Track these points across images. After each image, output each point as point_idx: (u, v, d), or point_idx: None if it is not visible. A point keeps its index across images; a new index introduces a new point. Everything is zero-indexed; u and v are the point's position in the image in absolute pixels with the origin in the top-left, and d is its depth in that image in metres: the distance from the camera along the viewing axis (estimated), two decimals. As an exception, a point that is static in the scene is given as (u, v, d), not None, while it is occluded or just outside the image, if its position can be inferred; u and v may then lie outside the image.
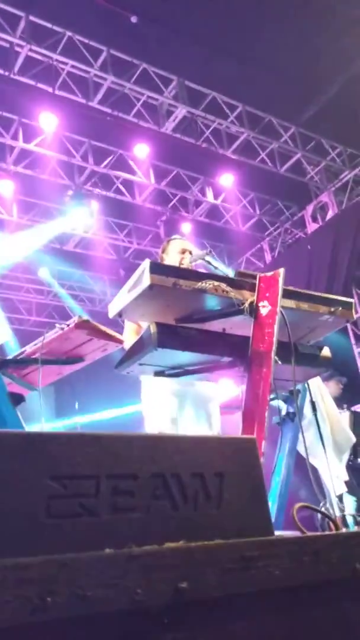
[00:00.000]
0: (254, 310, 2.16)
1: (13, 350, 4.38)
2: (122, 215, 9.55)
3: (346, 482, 3.58)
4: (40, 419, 3.72)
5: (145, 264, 2.01)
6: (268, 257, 10.53)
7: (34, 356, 2.26)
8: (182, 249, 3.28)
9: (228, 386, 4.27)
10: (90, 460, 1.10)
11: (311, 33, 7.13)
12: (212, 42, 7.11)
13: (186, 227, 9.29)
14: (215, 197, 9.15)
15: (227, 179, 8.82)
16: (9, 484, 1.00)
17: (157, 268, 2.03)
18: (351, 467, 4.50)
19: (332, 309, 2.40)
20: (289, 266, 8.77)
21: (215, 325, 2.28)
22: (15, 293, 10.58)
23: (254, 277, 2.24)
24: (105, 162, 7.96)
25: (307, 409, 3.09)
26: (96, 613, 0.84)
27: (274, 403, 2.72)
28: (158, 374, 2.36)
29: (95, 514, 1.06)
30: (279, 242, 10.30)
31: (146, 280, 1.98)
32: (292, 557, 1.07)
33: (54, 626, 0.81)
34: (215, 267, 2.72)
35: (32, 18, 6.27)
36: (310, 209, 9.46)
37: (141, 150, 7.92)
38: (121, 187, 8.46)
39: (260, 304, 2.17)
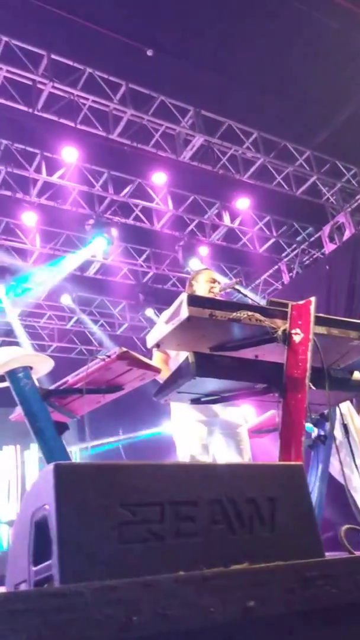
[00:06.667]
0: (287, 338, 2.24)
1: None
2: (140, 241, 9.70)
3: None
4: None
5: (183, 296, 2.11)
6: (286, 278, 10.59)
7: (76, 386, 2.37)
8: (211, 279, 3.45)
9: (252, 411, 4.33)
10: (154, 488, 1.18)
11: (323, 56, 7.29)
12: (226, 72, 7.30)
13: (203, 250, 9.38)
14: (232, 220, 9.27)
15: (243, 203, 8.95)
16: (85, 511, 1.08)
17: (194, 300, 2.12)
18: None
19: (362, 334, 2.47)
20: (307, 286, 8.97)
21: (248, 353, 2.36)
22: (38, 320, 10.77)
23: (286, 305, 2.32)
24: (125, 191, 8.15)
25: (337, 432, 3.14)
26: (175, 631, 0.92)
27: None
28: (194, 401, 2.44)
29: (161, 539, 1.14)
30: (296, 263, 10.37)
31: (184, 313, 2.07)
32: (347, 576, 1.13)
33: (139, 643, 0.89)
34: (245, 295, 2.82)
35: (53, 56, 6.52)
36: (327, 229, 9.53)
37: (159, 178, 8.10)
38: (140, 214, 8.64)
39: (293, 331, 2.25)
